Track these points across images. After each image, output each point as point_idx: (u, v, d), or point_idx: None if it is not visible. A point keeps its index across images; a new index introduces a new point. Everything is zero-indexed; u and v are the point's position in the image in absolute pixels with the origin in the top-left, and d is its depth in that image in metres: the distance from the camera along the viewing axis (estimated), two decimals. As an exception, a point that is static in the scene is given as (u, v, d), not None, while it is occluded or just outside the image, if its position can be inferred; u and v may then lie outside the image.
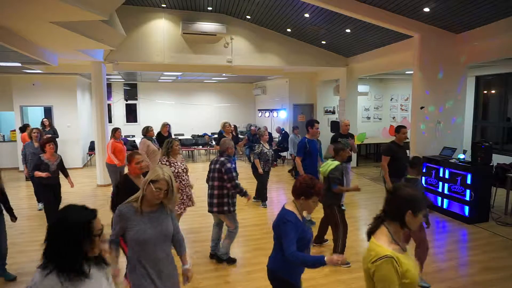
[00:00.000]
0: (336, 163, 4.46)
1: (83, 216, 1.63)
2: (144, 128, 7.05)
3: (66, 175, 5.70)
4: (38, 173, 5.26)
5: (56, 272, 1.53)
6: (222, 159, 4.30)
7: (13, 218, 4.29)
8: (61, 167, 5.60)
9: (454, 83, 7.13)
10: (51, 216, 5.38)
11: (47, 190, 5.47)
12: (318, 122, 5.80)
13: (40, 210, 6.64)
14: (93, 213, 1.66)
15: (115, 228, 2.46)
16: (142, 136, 7.07)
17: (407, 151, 5.65)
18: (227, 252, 4.47)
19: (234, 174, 4.22)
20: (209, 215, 6.48)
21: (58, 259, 1.54)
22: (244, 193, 4.30)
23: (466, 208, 6.01)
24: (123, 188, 3.45)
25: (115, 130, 7.12)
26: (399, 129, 5.58)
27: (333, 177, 4.37)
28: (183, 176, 4.66)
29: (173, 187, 2.38)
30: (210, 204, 4.35)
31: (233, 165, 4.39)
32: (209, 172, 4.41)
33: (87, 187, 8.48)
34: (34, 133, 6.75)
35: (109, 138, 7.18)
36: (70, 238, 1.55)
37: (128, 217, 2.36)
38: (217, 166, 4.25)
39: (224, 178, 4.19)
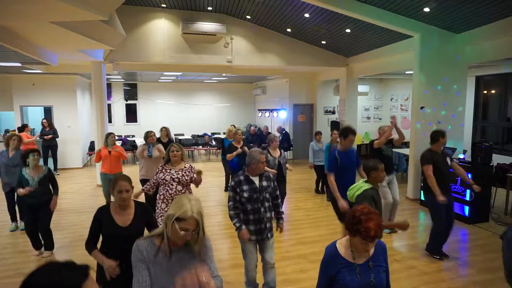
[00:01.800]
0: (365, 186, 3.46)
1: (68, 281, 1.04)
2: (144, 133, 6.21)
3: (55, 193, 4.70)
4: (21, 191, 4.43)
5: None
6: (236, 177, 3.51)
7: None
8: (51, 182, 4.69)
9: (453, 83, 7.13)
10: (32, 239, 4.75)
11: (28, 211, 4.62)
12: (354, 134, 4.50)
13: (12, 231, 5.66)
14: (83, 274, 1.08)
15: (139, 278, 1.83)
16: (144, 141, 6.23)
17: (447, 158, 4.69)
18: None
19: (230, 203, 3.46)
20: (209, 215, 6.51)
21: None
22: (237, 229, 3.47)
23: (466, 208, 6.01)
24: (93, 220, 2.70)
25: (107, 136, 6.26)
26: (437, 137, 4.56)
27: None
28: (171, 184, 4.10)
29: (203, 226, 1.85)
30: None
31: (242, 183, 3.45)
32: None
33: (87, 187, 8.48)
34: (14, 140, 5.44)
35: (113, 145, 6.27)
36: None
37: (146, 256, 1.85)
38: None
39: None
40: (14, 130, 10.70)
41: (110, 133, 6.34)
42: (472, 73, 9.44)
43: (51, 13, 4.17)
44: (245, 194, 3.41)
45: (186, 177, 4.15)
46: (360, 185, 3.53)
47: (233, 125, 9.09)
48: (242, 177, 3.47)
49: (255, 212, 3.43)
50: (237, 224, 3.43)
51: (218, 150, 8.29)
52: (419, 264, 4.50)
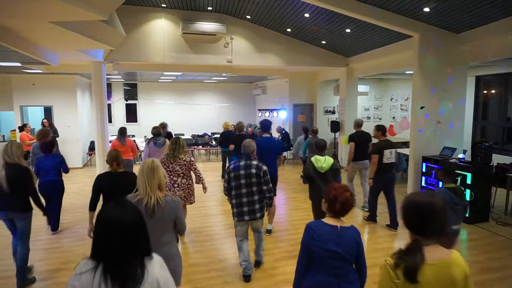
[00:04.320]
0: (333, 159, 4.61)
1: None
2: (157, 129, 6.66)
3: None
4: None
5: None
6: (255, 162, 3.98)
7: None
8: None
9: (453, 83, 7.13)
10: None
11: None
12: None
13: None
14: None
15: None
16: (163, 137, 6.65)
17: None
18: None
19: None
20: (210, 215, 6.51)
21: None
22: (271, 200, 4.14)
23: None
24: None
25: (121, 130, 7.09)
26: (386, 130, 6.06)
27: (337, 169, 4.53)
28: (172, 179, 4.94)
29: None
30: (251, 212, 3.96)
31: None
32: (236, 179, 3.96)
33: (87, 187, 8.47)
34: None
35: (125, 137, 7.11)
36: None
37: None
38: (253, 170, 3.92)
39: (262, 181, 3.95)
40: (14, 130, 10.71)
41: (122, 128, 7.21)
42: (472, 73, 9.43)
43: (51, 13, 4.17)
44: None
45: (178, 168, 4.94)
46: (327, 158, 4.53)
47: (233, 125, 9.09)
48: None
49: (269, 191, 4.08)
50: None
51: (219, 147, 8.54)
52: (419, 264, 4.50)
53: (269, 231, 5.49)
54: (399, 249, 1.65)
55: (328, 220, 2.26)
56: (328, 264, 2.17)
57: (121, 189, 3.37)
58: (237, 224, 4.03)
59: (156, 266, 1.61)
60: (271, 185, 4.01)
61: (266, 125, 5.65)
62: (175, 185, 4.87)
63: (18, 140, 9.72)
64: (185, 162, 4.86)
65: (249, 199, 3.95)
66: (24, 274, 3.99)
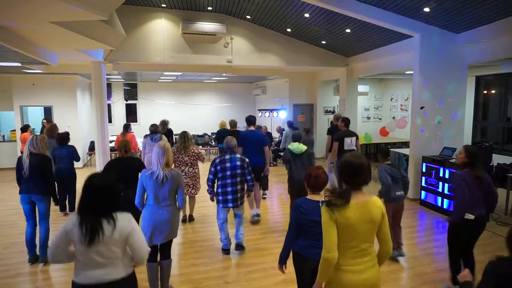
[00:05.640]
0: (304, 146, 5.21)
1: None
2: (155, 126, 7.48)
3: None
4: None
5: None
6: (238, 155, 4.54)
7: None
8: None
9: (453, 83, 7.13)
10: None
11: None
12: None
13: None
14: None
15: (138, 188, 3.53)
16: (160, 133, 7.51)
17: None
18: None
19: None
20: (210, 215, 6.51)
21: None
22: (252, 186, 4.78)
23: (466, 208, 6.00)
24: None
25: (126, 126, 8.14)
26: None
27: (312, 153, 5.23)
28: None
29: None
30: (234, 200, 4.52)
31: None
32: (222, 171, 4.44)
33: (87, 187, 8.49)
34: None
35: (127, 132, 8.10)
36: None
37: (143, 177, 3.51)
38: (239, 163, 4.47)
39: (246, 172, 4.52)
40: (14, 130, 10.71)
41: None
42: (472, 73, 9.43)
43: (51, 13, 4.17)
44: None
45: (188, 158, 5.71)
46: (300, 144, 5.20)
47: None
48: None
49: (253, 180, 4.71)
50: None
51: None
52: (419, 264, 4.51)
53: (258, 215, 5.96)
54: (335, 193, 2.14)
55: (311, 196, 2.71)
56: (312, 231, 2.60)
57: (127, 171, 4.16)
58: (221, 210, 4.57)
59: (125, 219, 2.14)
60: (253, 174, 4.60)
61: (250, 120, 6.44)
62: (183, 174, 5.26)
63: (19, 140, 9.75)
64: (193, 153, 5.55)
65: (233, 189, 4.47)
66: (46, 249, 4.42)
